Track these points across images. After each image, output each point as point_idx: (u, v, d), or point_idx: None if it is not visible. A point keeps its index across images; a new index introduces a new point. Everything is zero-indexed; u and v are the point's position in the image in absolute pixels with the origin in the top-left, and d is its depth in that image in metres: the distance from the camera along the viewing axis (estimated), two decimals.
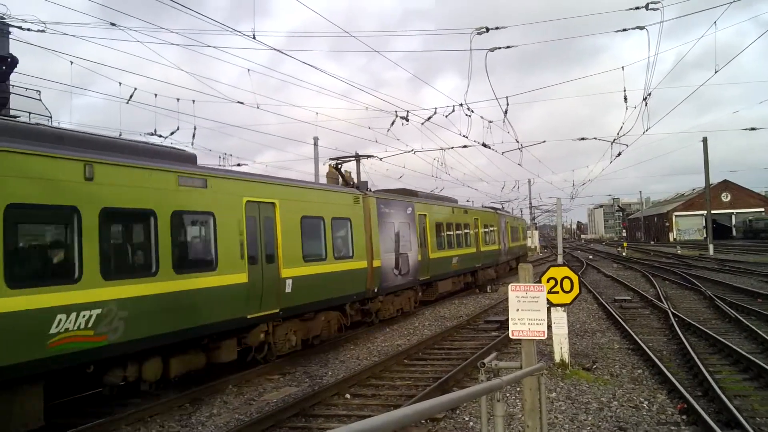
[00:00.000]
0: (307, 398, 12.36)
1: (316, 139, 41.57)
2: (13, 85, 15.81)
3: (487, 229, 38.59)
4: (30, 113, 16.83)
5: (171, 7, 14.39)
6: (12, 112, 15.00)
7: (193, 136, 23.71)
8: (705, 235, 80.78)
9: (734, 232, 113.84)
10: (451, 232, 30.68)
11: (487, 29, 18.90)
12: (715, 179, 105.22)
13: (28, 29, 17.22)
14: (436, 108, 25.50)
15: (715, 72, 20.08)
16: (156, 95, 20.66)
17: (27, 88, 16.93)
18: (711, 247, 63.79)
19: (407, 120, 25.87)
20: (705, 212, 73.09)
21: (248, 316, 14.39)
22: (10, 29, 17.39)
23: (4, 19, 17.44)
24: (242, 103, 22.49)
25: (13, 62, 13.25)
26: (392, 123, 26.20)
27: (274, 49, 17.71)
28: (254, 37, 16.17)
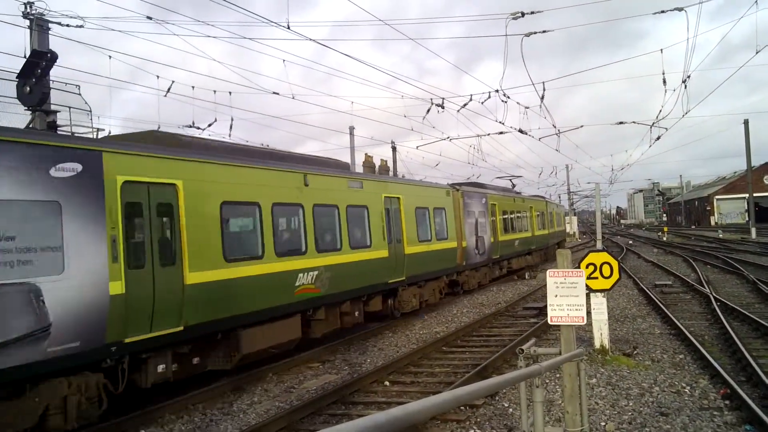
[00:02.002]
0: (347, 386, 12.46)
1: (351, 129, 41.63)
2: (53, 80, 16.05)
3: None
4: (70, 108, 17.09)
5: (208, 0, 14.49)
6: (52, 107, 15.23)
7: (230, 127, 23.92)
8: (747, 219, 79.37)
9: None
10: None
11: (523, 14, 18.73)
12: (758, 161, 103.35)
13: (68, 25, 17.52)
14: (471, 95, 25.40)
15: (756, 52, 19.71)
16: (194, 87, 20.87)
17: (66, 83, 17.18)
18: (753, 230, 62.73)
19: (443, 107, 25.82)
20: (747, 195, 71.83)
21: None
22: (50, 25, 17.70)
23: (44, 15, 17.73)
24: (278, 93, 22.57)
25: (53, 58, 13.41)
26: (428, 111, 26.21)
27: (310, 39, 17.76)
28: (288, 28, 16.22)
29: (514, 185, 44.01)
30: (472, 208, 27.59)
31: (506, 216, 33.61)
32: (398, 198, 20.53)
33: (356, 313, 18.21)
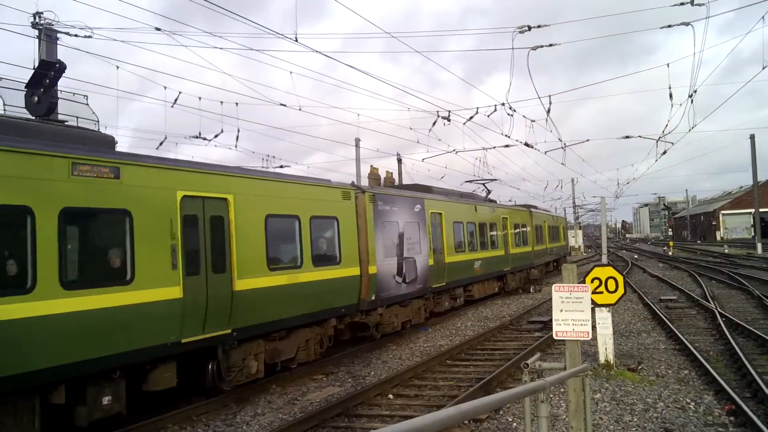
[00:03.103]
0: (350, 398, 12.44)
1: (357, 140, 41.72)
2: (61, 90, 16.14)
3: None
4: (77, 117, 17.17)
5: (219, 14, 14.56)
6: (60, 117, 15.32)
7: (237, 138, 23.96)
8: (753, 234, 79.16)
9: None
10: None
11: (529, 28, 18.76)
12: (764, 176, 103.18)
13: (76, 35, 17.62)
14: (477, 108, 25.42)
15: (763, 68, 19.70)
16: (200, 98, 20.94)
17: (74, 93, 17.28)
18: (759, 245, 62.51)
19: (449, 120, 25.83)
20: (753, 210, 71.65)
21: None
22: (59, 35, 17.82)
23: (53, 25, 17.85)
24: (285, 105, 22.65)
25: (62, 68, 13.51)
26: (434, 123, 26.19)
27: (317, 51, 17.82)
28: (296, 40, 16.29)
29: (489, 191, 35.83)
30: (392, 217, 19.69)
31: (461, 229, 25.98)
32: (226, 199, 12.74)
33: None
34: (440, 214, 23.63)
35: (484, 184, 35.56)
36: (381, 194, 19.63)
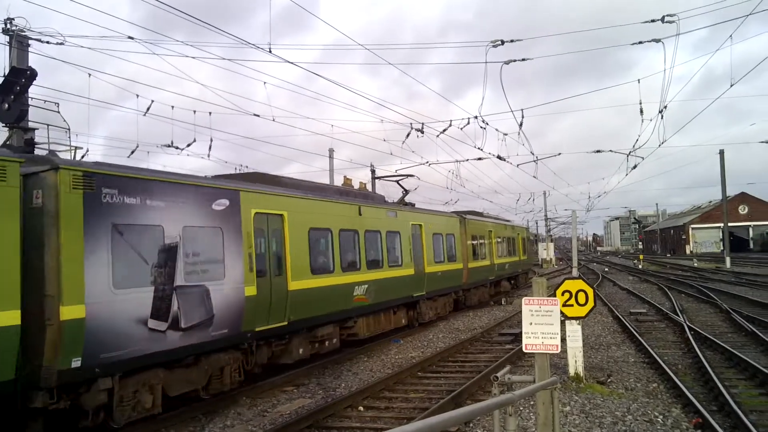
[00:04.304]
0: (321, 410, 12.37)
1: (331, 151, 41.79)
2: (32, 98, 15.98)
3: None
4: (48, 125, 16.99)
5: (199, 25, 14.52)
6: (30, 124, 15.16)
7: (210, 147, 23.84)
8: (722, 248, 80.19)
9: (752, 245, 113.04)
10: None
11: (503, 42, 18.94)
12: (733, 192, 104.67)
13: (48, 42, 17.46)
14: (451, 120, 25.56)
15: (731, 85, 20.03)
16: (173, 107, 20.82)
17: (45, 100, 17.10)
18: (728, 259, 63.43)
19: (422, 132, 25.95)
20: (722, 225, 72.64)
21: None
22: (31, 42, 17.64)
23: (24, 32, 17.67)
24: (258, 116, 22.59)
25: (32, 75, 13.41)
26: (407, 135, 26.27)
27: (290, 62, 17.82)
28: (270, 51, 16.29)
29: (406, 191, 27.14)
30: (127, 218, 11.02)
31: (314, 241, 17.13)
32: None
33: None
34: (281, 216, 15.57)
35: (398, 182, 27.90)
36: (112, 175, 10.99)
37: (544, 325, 8.30)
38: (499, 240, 37.49)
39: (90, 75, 17.92)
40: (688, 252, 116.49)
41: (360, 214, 19.91)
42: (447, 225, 28.33)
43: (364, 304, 19.28)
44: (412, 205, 26.82)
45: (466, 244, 30.38)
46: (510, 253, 40.49)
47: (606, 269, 70.99)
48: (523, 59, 20.30)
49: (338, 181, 35.55)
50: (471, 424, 11.27)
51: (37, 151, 13.07)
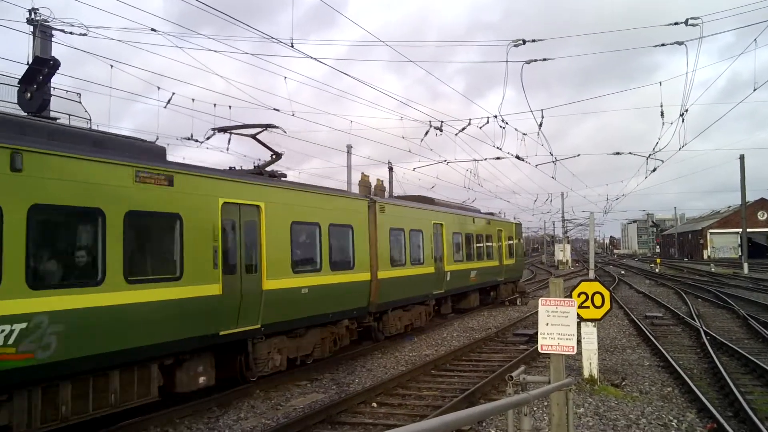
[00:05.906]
0: (334, 405, 12.41)
1: (349, 147, 41.81)
2: (55, 88, 16.11)
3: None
4: (70, 115, 17.11)
5: (225, 21, 14.58)
6: (52, 114, 15.27)
7: (228, 141, 23.88)
8: (740, 254, 79.57)
9: None
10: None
11: (524, 41, 18.89)
12: (753, 197, 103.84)
13: (71, 33, 17.59)
14: (470, 119, 25.54)
15: (754, 90, 19.89)
16: (194, 100, 20.91)
17: (68, 90, 17.23)
18: (746, 265, 62.89)
19: (441, 131, 25.94)
20: (740, 230, 72.08)
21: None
22: (55, 32, 17.77)
23: (48, 22, 17.81)
24: (278, 110, 22.64)
25: (55, 65, 13.47)
26: (426, 133, 26.28)
27: (311, 57, 17.84)
28: (292, 46, 16.33)
29: (275, 155, 17.01)
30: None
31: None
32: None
33: None
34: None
35: (254, 136, 16.64)
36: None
37: (560, 326, 8.27)
38: (457, 236, 26.67)
39: (112, 66, 18.03)
40: (705, 257, 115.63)
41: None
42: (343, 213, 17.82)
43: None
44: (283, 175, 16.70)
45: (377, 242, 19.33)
46: (481, 255, 29.86)
47: (622, 272, 70.58)
48: (544, 59, 20.24)
49: (356, 178, 35.60)
50: (484, 423, 11.26)
51: None
